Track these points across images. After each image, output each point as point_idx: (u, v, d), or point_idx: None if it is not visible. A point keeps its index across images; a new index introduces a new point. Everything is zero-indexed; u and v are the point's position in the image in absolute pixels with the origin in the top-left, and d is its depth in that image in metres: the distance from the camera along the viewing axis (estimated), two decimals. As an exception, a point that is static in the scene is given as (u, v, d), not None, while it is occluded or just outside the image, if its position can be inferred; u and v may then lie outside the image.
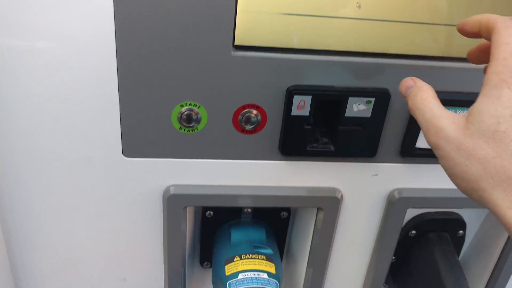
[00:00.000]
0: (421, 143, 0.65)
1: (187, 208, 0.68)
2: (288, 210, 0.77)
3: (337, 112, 0.61)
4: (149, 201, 0.66)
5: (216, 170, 0.64)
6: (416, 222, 0.79)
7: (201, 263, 0.81)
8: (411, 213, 0.78)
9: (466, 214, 0.81)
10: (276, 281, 0.68)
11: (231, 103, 0.59)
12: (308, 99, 0.59)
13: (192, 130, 0.60)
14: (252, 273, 0.68)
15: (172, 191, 0.64)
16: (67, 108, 0.57)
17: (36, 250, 0.69)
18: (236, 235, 0.73)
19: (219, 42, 0.54)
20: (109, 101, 0.57)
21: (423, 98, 0.43)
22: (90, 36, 0.53)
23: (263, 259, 0.70)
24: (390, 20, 0.57)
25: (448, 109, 0.42)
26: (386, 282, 0.82)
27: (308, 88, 0.58)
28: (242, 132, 0.61)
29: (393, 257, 0.79)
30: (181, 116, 0.59)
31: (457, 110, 0.60)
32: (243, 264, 0.69)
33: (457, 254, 0.83)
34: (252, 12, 0.54)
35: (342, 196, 0.69)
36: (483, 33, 0.42)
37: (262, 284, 0.67)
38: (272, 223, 0.77)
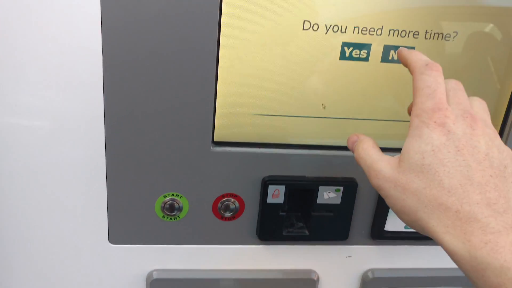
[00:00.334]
0: (390, 226, 0.70)
1: (170, 292, 0.71)
2: (268, 291, 0.79)
3: (309, 199, 0.66)
4: (133, 286, 0.69)
5: (197, 255, 0.68)
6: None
7: None
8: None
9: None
10: None
11: (211, 193, 0.64)
12: (282, 188, 0.64)
13: (174, 218, 0.64)
14: None
15: (155, 276, 0.67)
16: (56, 198, 0.62)
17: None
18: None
19: (200, 139, 0.60)
20: (97, 192, 0.62)
21: (364, 148, 0.49)
22: (78, 129, 0.58)
23: None
24: (351, 118, 0.64)
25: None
26: None
27: (281, 179, 0.64)
28: (222, 219, 0.66)
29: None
30: (164, 206, 0.63)
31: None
32: None
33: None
34: (229, 113, 0.61)
35: (318, 278, 0.72)
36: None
37: None
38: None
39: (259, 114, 0.61)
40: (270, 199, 0.64)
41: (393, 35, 0.59)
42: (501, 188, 0.41)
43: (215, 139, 0.62)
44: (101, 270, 0.67)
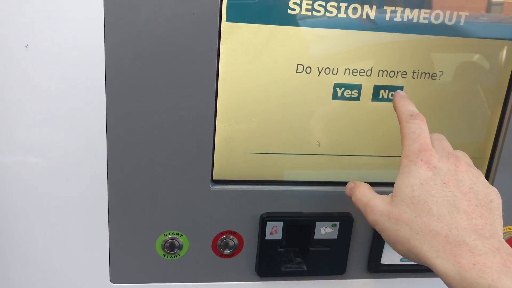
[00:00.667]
0: (386, 259, 0.71)
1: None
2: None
3: (307, 235, 0.68)
4: (133, 325, 0.69)
5: (197, 293, 0.69)
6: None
7: None
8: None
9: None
10: None
11: (211, 231, 0.65)
12: (280, 224, 0.65)
13: (174, 256, 0.66)
14: None
15: (156, 315, 0.68)
16: (58, 237, 0.63)
17: None
18: None
19: (200, 178, 0.62)
20: (99, 231, 0.63)
21: (360, 190, 0.54)
22: (80, 167, 0.60)
23: None
24: (344, 154, 0.66)
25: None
26: None
27: (279, 215, 0.65)
28: (221, 256, 0.67)
29: None
30: (164, 244, 0.65)
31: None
32: None
33: None
34: (227, 152, 0.63)
35: (317, 313, 0.73)
36: None
37: None
38: None
39: (256, 153, 0.64)
40: (268, 236, 0.66)
41: (382, 75, 0.63)
42: (487, 217, 0.45)
43: (214, 178, 0.63)
44: (102, 310, 0.68)
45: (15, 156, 0.58)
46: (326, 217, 0.66)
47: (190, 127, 0.59)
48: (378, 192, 0.53)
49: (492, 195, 0.47)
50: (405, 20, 0.60)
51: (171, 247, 0.65)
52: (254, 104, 0.61)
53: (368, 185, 0.55)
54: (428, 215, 0.45)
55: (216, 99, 0.59)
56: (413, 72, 0.63)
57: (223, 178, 0.64)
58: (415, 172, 0.48)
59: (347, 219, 0.67)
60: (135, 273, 0.66)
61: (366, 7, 0.59)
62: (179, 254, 0.66)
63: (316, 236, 0.67)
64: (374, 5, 0.59)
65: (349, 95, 0.63)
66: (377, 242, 0.70)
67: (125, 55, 0.54)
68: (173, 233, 0.64)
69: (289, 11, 0.57)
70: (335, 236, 0.67)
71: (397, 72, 0.63)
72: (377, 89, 0.63)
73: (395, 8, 0.59)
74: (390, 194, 0.50)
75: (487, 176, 0.70)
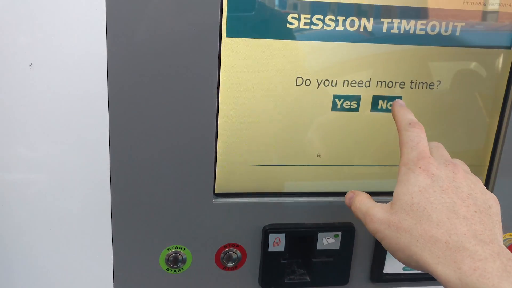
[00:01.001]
0: (388, 268, 0.71)
1: None
2: None
3: (309, 245, 0.68)
4: None
5: (201, 306, 0.68)
6: None
7: None
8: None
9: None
10: None
11: (213, 244, 0.65)
12: (282, 236, 0.66)
13: (178, 270, 0.66)
14: None
15: (160, 330, 0.68)
16: (62, 254, 0.63)
17: None
18: None
19: (202, 191, 0.62)
20: (103, 247, 0.63)
21: (359, 200, 0.54)
22: (83, 183, 0.60)
23: None
24: (345, 164, 0.67)
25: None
26: None
27: (281, 227, 0.66)
28: (224, 269, 0.67)
29: None
30: (168, 258, 0.65)
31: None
32: None
33: None
34: (229, 165, 0.63)
35: (321, 324, 0.73)
36: None
37: None
38: None
39: (257, 165, 0.64)
40: (271, 247, 0.66)
41: (380, 86, 0.63)
42: (486, 222, 0.45)
43: (216, 191, 0.64)
44: (106, 326, 0.68)
45: (19, 174, 0.58)
46: (328, 227, 0.67)
47: (192, 141, 0.59)
48: (379, 202, 0.53)
49: (491, 201, 0.48)
50: (402, 31, 0.61)
51: (175, 261, 0.65)
52: (255, 117, 0.62)
53: (367, 194, 0.55)
54: (427, 222, 0.45)
55: (217, 113, 0.60)
56: (411, 82, 0.64)
57: (225, 191, 0.64)
58: (413, 180, 0.48)
59: (349, 229, 0.67)
60: (138, 288, 0.66)
61: (364, 19, 0.59)
62: (182, 268, 0.66)
63: (319, 247, 0.67)
64: (371, 17, 0.60)
65: (348, 106, 0.64)
66: (379, 251, 0.70)
67: (127, 72, 0.55)
68: (176, 247, 0.64)
69: (288, 25, 0.58)
70: (337, 247, 0.68)
71: (395, 82, 0.64)
72: (375, 99, 0.64)
73: (392, 20, 0.60)
74: (390, 202, 0.50)
75: (486, 183, 0.71)
